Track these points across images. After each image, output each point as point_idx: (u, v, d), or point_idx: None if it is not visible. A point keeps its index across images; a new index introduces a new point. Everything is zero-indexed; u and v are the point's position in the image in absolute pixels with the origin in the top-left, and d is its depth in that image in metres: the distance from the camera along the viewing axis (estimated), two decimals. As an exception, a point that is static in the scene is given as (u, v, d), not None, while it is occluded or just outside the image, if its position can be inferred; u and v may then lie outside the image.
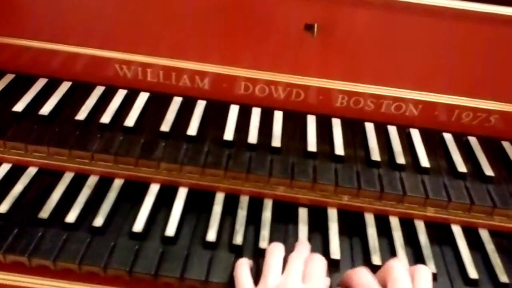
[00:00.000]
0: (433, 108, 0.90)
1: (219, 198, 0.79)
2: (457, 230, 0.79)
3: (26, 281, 0.68)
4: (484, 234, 0.79)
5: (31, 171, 0.79)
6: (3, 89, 0.88)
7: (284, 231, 0.77)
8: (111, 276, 0.68)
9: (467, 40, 0.85)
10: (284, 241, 0.74)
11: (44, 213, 0.72)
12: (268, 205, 0.79)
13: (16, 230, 0.70)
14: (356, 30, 0.85)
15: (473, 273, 0.72)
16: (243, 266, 0.66)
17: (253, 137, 0.84)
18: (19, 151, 0.79)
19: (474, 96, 0.90)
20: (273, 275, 0.62)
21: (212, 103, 0.91)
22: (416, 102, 0.90)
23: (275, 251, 0.66)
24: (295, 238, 0.75)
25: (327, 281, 0.66)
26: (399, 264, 0.62)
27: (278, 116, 0.90)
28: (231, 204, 0.79)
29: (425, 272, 0.62)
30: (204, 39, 0.88)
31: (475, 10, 0.81)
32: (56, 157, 0.79)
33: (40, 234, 0.70)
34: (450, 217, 0.79)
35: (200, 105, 0.90)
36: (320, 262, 0.65)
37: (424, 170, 0.82)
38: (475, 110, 0.90)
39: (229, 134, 0.84)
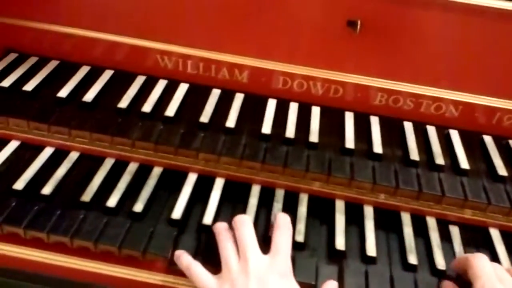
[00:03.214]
0: (473, 109, 0.89)
1: (255, 190, 0.80)
2: (495, 234, 0.78)
3: (67, 261, 0.69)
4: (524, 239, 0.77)
5: (73, 155, 0.81)
6: (48, 75, 0.90)
7: (319, 225, 0.77)
8: (149, 260, 0.70)
9: (510, 41, 0.83)
10: (319, 236, 0.75)
11: (86, 196, 0.74)
12: (303, 199, 0.79)
13: (58, 212, 0.72)
14: (397, 28, 0.84)
15: (512, 278, 0.70)
16: (195, 263, 0.65)
17: (290, 131, 0.84)
18: (63, 136, 0.81)
19: (517, 99, 0.88)
20: (232, 259, 0.62)
21: (250, 97, 0.92)
22: (456, 103, 0.89)
23: (224, 235, 0.65)
24: (331, 233, 0.75)
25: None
26: None
27: (315, 111, 0.90)
28: (266, 197, 0.79)
29: None
30: (244, 32, 0.89)
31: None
32: (97, 143, 0.81)
33: (81, 216, 0.72)
34: (488, 220, 0.78)
35: (238, 98, 0.91)
36: (287, 234, 0.65)
37: (463, 172, 0.81)
38: (517, 113, 0.88)
39: (266, 127, 0.84)
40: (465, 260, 0.65)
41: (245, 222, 0.67)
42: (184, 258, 0.67)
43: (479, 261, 0.63)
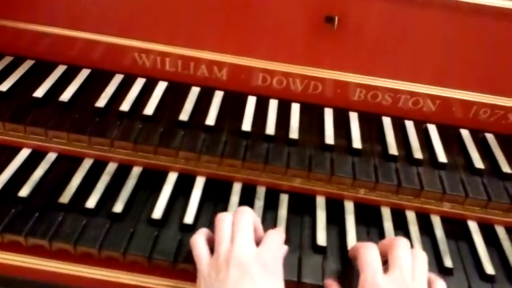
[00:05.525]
0: (450, 104, 0.90)
1: (236, 188, 0.80)
2: (473, 226, 0.79)
3: (46, 264, 0.68)
4: (501, 231, 0.79)
5: (51, 156, 0.80)
6: (23, 75, 0.88)
7: (300, 222, 0.77)
8: (130, 261, 0.69)
9: (486, 36, 0.84)
10: (300, 233, 0.75)
11: (64, 198, 0.73)
12: (284, 196, 0.80)
13: (36, 214, 0.71)
14: (375, 24, 0.85)
15: (489, 269, 0.72)
16: (199, 236, 0.65)
17: (270, 128, 0.84)
18: (39, 137, 0.80)
19: (492, 92, 0.89)
20: (224, 240, 0.61)
21: (230, 94, 0.91)
22: (434, 98, 0.90)
23: (223, 217, 0.64)
24: (312, 229, 0.76)
25: (283, 248, 0.67)
26: (405, 245, 0.63)
27: (295, 108, 0.90)
28: (248, 195, 0.79)
29: (423, 260, 0.63)
30: (223, 29, 0.88)
31: (493, 5, 0.81)
32: (75, 143, 0.80)
33: (60, 218, 0.71)
34: (466, 213, 0.80)
35: (218, 96, 0.91)
36: (278, 234, 0.66)
37: (441, 166, 0.82)
38: (492, 107, 0.89)
39: (246, 125, 0.84)
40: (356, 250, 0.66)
41: (245, 211, 0.65)
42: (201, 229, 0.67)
43: (366, 251, 0.64)
